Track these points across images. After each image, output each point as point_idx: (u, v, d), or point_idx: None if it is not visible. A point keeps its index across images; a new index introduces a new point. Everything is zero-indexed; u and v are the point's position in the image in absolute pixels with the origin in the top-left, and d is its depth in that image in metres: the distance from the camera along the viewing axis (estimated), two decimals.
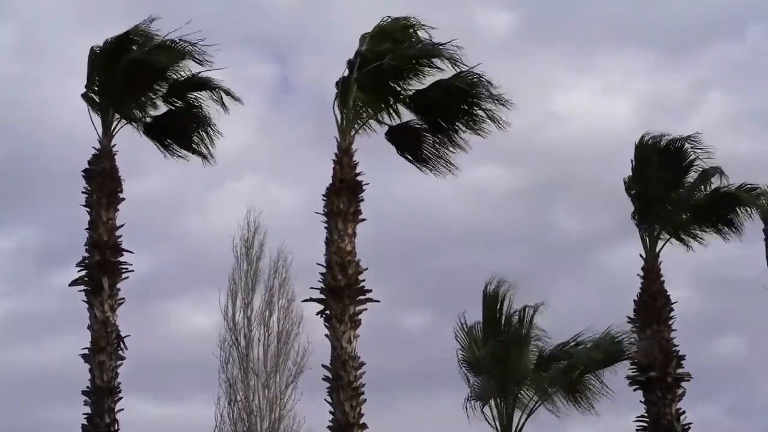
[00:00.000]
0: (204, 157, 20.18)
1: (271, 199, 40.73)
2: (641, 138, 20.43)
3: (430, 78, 18.84)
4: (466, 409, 19.48)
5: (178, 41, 19.07)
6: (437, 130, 19.25)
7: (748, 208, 20.18)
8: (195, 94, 19.78)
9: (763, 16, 45.11)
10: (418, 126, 19.44)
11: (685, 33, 44.41)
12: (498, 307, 20.05)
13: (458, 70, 18.46)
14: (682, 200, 20.34)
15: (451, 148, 19.38)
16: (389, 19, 18.72)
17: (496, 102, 18.51)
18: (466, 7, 39.57)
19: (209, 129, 19.97)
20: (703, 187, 20.37)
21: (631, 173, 20.51)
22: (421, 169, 19.69)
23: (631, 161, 20.46)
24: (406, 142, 19.60)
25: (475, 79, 18.51)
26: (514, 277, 20.36)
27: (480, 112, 18.79)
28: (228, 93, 19.45)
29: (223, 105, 19.49)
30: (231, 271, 32.25)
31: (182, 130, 20.11)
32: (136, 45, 19.09)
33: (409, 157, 19.69)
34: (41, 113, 39.86)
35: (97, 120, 19.26)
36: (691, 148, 20.27)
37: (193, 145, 20.16)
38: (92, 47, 19.25)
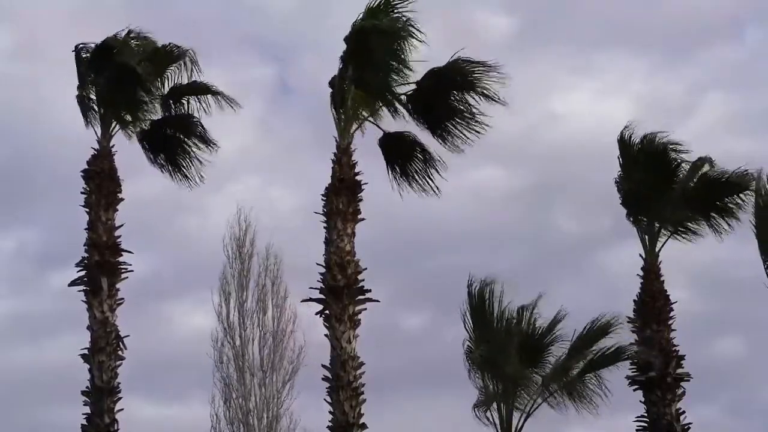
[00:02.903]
0: (188, 178, 20.24)
1: (270, 200, 40.73)
2: (621, 133, 20.31)
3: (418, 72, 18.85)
4: (476, 415, 19.49)
5: (168, 47, 19.15)
6: (432, 126, 19.24)
7: (741, 197, 20.08)
8: (190, 98, 19.85)
9: (762, 17, 45.15)
10: (410, 136, 19.38)
11: (683, 35, 44.48)
12: (486, 307, 19.97)
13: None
14: (675, 197, 20.27)
15: (446, 150, 19.36)
16: (373, 6, 18.56)
17: (490, 82, 18.53)
18: (465, 9, 39.52)
19: (198, 148, 19.98)
20: (694, 179, 20.31)
21: (620, 170, 20.45)
22: (406, 186, 19.59)
23: (618, 158, 20.41)
24: (395, 155, 19.49)
25: (468, 65, 18.55)
26: (502, 276, 20.30)
27: (475, 95, 18.76)
28: (225, 97, 19.52)
29: (227, 103, 19.57)
30: (222, 270, 32.21)
31: (172, 147, 20.11)
32: (126, 47, 19.09)
33: (398, 171, 19.57)
34: (41, 114, 39.89)
35: (96, 121, 19.32)
36: (675, 153, 20.19)
37: (182, 168, 20.18)
38: (78, 46, 19.27)
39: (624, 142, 20.22)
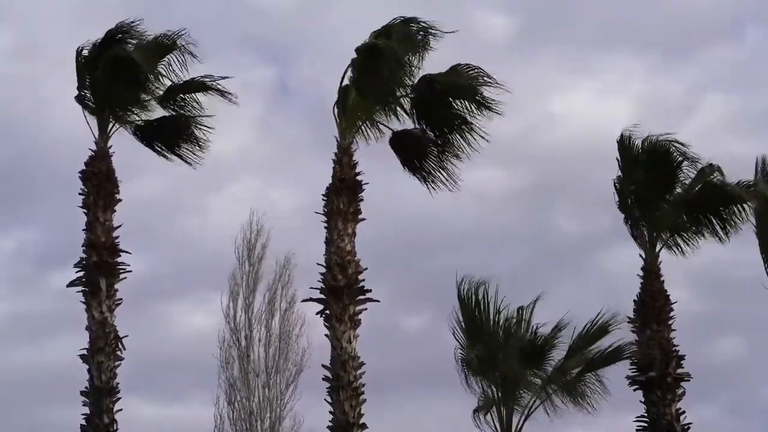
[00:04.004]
0: (189, 162, 20.20)
1: (270, 201, 40.78)
2: (621, 135, 20.31)
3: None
4: (476, 420, 19.50)
5: (163, 37, 19.13)
6: (431, 132, 19.22)
7: (743, 206, 20.05)
8: (189, 96, 19.80)
9: (762, 18, 45.16)
10: (419, 134, 19.39)
11: (683, 35, 44.50)
12: (481, 308, 19.94)
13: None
14: (676, 201, 20.23)
15: (452, 154, 19.31)
16: (398, 21, 18.60)
17: (487, 92, 18.57)
18: (464, 10, 39.52)
19: (198, 133, 19.95)
20: (699, 185, 20.26)
21: (619, 172, 20.42)
22: (423, 183, 19.62)
23: (617, 159, 20.38)
24: (409, 153, 19.50)
25: (468, 71, 18.57)
26: (495, 277, 20.28)
27: (472, 104, 18.77)
28: (223, 93, 19.48)
29: (226, 99, 19.54)
30: (232, 272, 32.40)
31: (171, 134, 20.06)
32: (121, 43, 19.08)
33: (412, 171, 19.60)
34: (40, 114, 39.94)
35: (93, 121, 19.32)
36: (677, 151, 20.13)
37: (181, 150, 20.13)
38: (78, 48, 19.26)
39: (624, 144, 20.19)
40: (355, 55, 18.48)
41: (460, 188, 19.56)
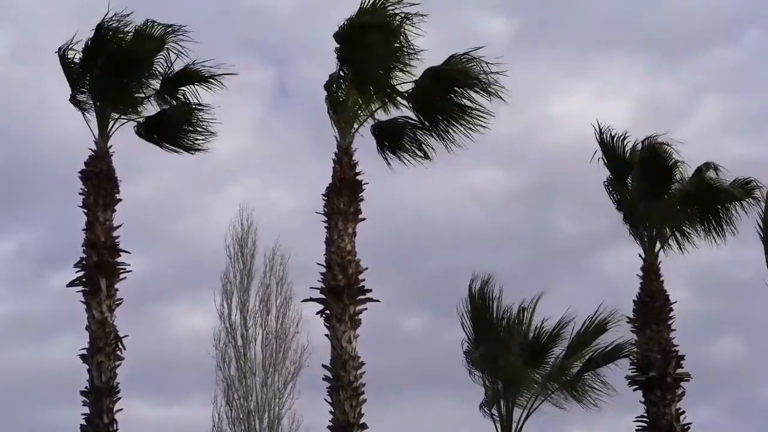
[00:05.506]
0: (195, 151, 20.17)
1: (270, 201, 40.81)
2: (601, 134, 20.37)
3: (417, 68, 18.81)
4: (484, 412, 19.52)
5: (158, 26, 19.09)
6: (432, 124, 19.18)
7: (741, 203, 20.06)
8: (186, 87, 19.78)
9: (761, 19, 45.17)
10: (403, 121, 19.32)
11: (682, 36, 44.48)
12: (487, 306, 19.97)
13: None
14: (674, 200, 20.23)
15: (444, 142, 19.33)
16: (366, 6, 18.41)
17: (487, 84, 18.53)
18: (463, 12, 39.56)
19: (202, 123, 19.94)
20: (695, 184, 20.27)
21: (608, 172, 20.46)
22: (398, 161, 19.61)
23: (602, 159, 20.40)
24: (387, 134, 19.46)
25: (467, 61, 18.54)
26: (501, 276, 20.30)
27: (474, 92, 18.75)
28: (216, 77, 19.43)
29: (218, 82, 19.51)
30: (224, 270, 32.26)
31: (175, 126, 20.02)
32: (114, 37, 19.06)
33: (387, 147, 19.52)
34: (41, 114, 39.93)
35: (92, 121, 19.29)
36: (668, 151, 20.16)
37: (186, 142, 20.12)
38: (61, 48, 19.17)
39: (605, 145, 20.29)
40: (337, 47, 18.41)
41: (433, 160, 19.52)
